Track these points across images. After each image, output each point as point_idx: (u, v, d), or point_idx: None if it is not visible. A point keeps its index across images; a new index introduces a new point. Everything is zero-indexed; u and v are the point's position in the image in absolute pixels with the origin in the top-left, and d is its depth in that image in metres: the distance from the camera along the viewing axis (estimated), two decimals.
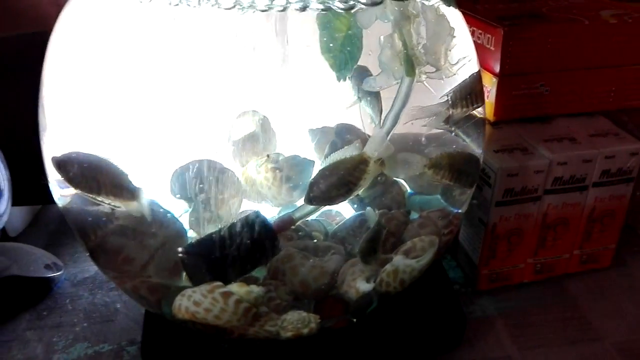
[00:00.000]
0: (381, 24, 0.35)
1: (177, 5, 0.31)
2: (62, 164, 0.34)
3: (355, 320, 0.38)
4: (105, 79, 0.34)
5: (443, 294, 0.44)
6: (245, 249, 0.34)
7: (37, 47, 0.49)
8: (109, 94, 0.34)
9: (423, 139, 0.38)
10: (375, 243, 0.37)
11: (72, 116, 0.36)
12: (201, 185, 0.37)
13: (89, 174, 0.33)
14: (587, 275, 0.50)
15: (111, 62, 0.34)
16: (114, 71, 0.34)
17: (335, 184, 0.35)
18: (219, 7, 0.31)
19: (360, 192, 0.43)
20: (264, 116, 0.40)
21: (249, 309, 0.33)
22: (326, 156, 0.43)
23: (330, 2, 0.32)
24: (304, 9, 0.32)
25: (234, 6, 0.32)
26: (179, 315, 0.34)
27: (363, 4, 0.33)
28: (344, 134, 0.43)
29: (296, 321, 0.35)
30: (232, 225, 0.34)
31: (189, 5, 0.31)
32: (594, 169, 0.45)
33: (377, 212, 0.38)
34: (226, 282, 0.34)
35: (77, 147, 0.35)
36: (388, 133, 0.37)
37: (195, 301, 0.33)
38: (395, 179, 0.42)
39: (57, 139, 0.36)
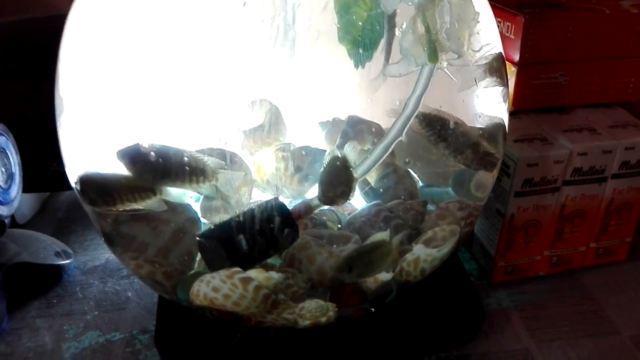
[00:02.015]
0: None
1: None
2: (82, 188, 0.35)
3: (373, 309, 0.37)
4: (118, 64, 0.33)
5: (461, 285, 0.44)
6: (264, 235, 0.33)
7: (50, 31, 0.48)
8: (123, 78, 0.34)
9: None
10: (353, 262, 0.35)
11: (88, 100, 0.35)
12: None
13: (105, 191, 0.34)
14: (603, 268, 0.49)
15: (125, 47, 0.33)
16: (127, 57, 0.33)
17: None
18: None
19: (372, 182, 0.42)
20: (275, 105, 0.39)
21: (268, 296, 0.33)
22: (338, 146, 0.43)
23: None
24: None
25: None
26: (196, 301, 0.33)
27: None
28: (356, 124, 0.42)
29: (314, 309, 0.35)
30: (251, 211, 0.34)
31: None
32: (614, 160, 0.44)
33: (389, 233, 0.36)
34: (245, 268, 0.33)
35: (92, 132, 0.35)
36: (408, 119, 0.36)
37: (214, 287, 0.33)
38: (407, 170, 0.41)
39: (73, 123, 0.36)
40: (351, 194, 0.35)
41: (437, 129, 0.37)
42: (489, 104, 0.38)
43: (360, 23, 0.34)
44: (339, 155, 0.35)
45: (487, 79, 0.37)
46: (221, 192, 0.37)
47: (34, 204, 0.53)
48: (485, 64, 0.37)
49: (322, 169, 0.35)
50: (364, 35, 0.35)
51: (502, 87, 0.39)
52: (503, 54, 0.39)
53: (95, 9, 0.35)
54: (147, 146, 0.33)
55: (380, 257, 0.35)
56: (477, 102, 0.37)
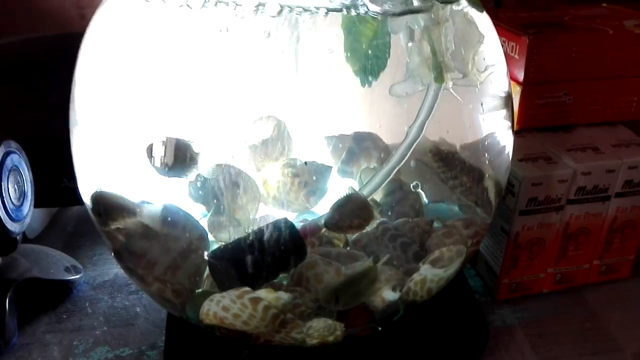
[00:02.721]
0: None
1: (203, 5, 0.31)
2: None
3: (380, 328, 0.38)
4: (132, 80, 0.34)
5: (466, 303, 0.44)
6: (274, 255, 0.34)
7: (61, 49, 0.49)
8: (136, 94, 0.34)
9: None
10: (340, 293, 0.36)
11: (102, 114, 0.36)
12: (220, 190, 0.37)
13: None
14: (606, 285, 0.50)
15: (138, 63, 0.34)
16: (140, 73, 0.34)
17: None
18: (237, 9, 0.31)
19: (378, 199, 0.43)
20: (281, 121, 0.40)
21: (277, 316, 0.33)
22: (343, 162, 0.43)
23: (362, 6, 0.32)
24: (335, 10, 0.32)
25: (257, 9, 0.32)
26: (206, 320, 0.34)
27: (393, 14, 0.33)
28: (362, 141, 0.43)
29: (322, 328, 0.35)
30: (261, 231, 0.34)
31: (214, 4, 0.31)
32: (617, 179, 0.45)
33: (369, 260, 0.36)
34: (254, 287, 0.34)
35: (105, 145, 0.36)
36: (420, 130, 0.36)
37: (224, 306, 0.33)
38: (412, 187, 0.42)
39: (87, 137, 0.36)
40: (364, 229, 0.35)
41: (448, 165, 0.38)
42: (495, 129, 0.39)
43: (364, 45, 0.35)
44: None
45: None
46: (229, 207, 0.38)
47: (43, 219, 0.54)
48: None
49: (340, 197, 0.35)
50: (370, 55, 0.36)
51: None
52: (508, 76, 0.40)
53: (113, 26, 0.35)
54: None
55: (367, 285, 0.35)
56: (483, 126, 0.38)
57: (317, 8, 0.31)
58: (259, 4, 0.31)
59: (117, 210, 0.37)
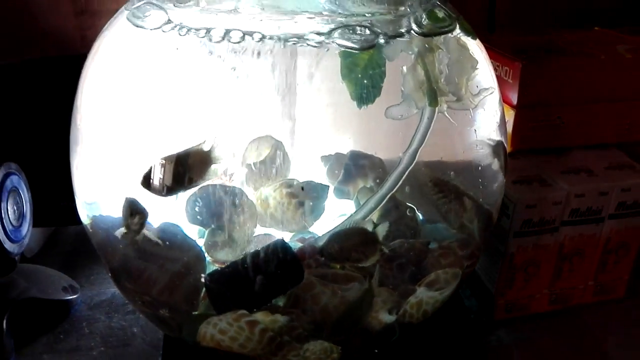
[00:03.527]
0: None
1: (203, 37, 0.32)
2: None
3: (377, 350, 0.38)
4: (133, 101, 0.35)
5: (462, 323, 0.44)
6: (270, 277, 0.34)
7: (60, 70, 0.50)
8: (133, 116, 0.35)
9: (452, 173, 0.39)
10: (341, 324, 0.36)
11: (103, 134, 0.36)
12: (217, 210, 0.38)
13: None
14: (601, 305, 0.50)
15: (138, 86, 0.35)
16: (139, 95, 0.35)
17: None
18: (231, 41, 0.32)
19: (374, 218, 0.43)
20: (279, 141, 0.40)
21: (273, 338, 0.34)
22: (340, 182, 0.44)
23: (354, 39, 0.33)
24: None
25: (261, 40, 0.32)
26: (203, 342, 0.34)
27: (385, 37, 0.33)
28: (358, 159, 0.44)
29: (319, 351, 0.35)
30: (257, 254, 0.35)
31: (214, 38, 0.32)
32: (610, 201, 0.45)
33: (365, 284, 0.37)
34: (251, 310, 0.34)
35: (105, 164, 0.36)
36: (413, 156, 0.37)
37: (221, 329, 0.33)
38: (409, 205, 0.42)
39: (88, 156, 0.37)
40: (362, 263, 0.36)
41: (446, 194, 0.38)
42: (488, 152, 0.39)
43: (360, 75, 0.35)
44: (371, 230, 0.36)
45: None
46: (226, 227, 0.38)
47: (40, 238, 0.54)
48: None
49: (345, 227, 0.36)
50: (365, 84, 0.36)
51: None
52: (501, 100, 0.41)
53: (115, 51, 0.36)
54: None
55: (365, 310, 0.36)
56: (477, 149, 0.39)
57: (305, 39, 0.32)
58: (262, 37, 0.31)
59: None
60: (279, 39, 0.32)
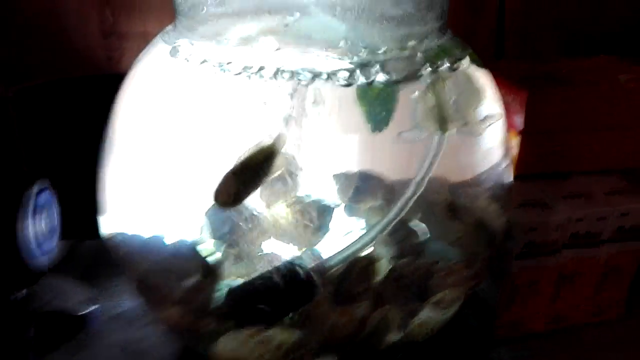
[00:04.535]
0: None
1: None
2: None
3: None
4: (162, 126, 0.37)
5: (464, 342, 0.46)
6: (285, 294, 0.36)
7: (86, 88, 0.52)
8: (163, 139, 0.37)
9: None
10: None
11: (135, 152, 0.38)
12: (231, 225, 0.39)
13: None
14: (599, 326, 0.52)
15: (169, 114, 0.37)
16: (171, 121, 0.37)
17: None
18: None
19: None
20: (292, 157, 0.42)
21: (287, 354, 0.35)
22: (351, 200, 0.45)
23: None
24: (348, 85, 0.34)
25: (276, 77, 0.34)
26: (221, 357, 0.36)
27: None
28: (367, 180, 0.45)
29: None
30: (273, 271, 0.36)
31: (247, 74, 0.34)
32: (609, 225, 0.47)
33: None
34: (266, 326, 0.36)
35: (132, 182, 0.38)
36: (423, 180, 0.39)
37: (237, 344, 0.35)
38: (415, 224, 0.44)
39: (118, 172, 0.39)
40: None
41: (459, 219, 0.40)
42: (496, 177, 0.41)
43: (373, 98, 0.37)
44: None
45: None
46: (239, 243, 0.40)
47: (60, 250, 0.56)
48: None
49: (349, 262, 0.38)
50: (379, 104, 0.38)
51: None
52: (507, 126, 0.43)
53: (150, 78, 0.38)
54: None
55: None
56: (485, 174, 0.40)
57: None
58: (278, 71, 0.33)
59: None
60: (301, 73, 0.34)
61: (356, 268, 0.38)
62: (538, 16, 0.67)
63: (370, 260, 0.39)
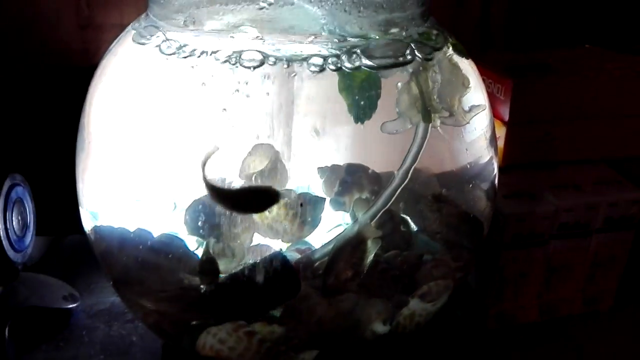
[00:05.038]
0: None
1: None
2: None
3: None
4: (137, 116, 0.36)
5: (453, 334, 0.45)
6: (268, 289, 0.35)
7: (63, 81, 0.51)
8: (140, 130, 0.36)
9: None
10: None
11: (111, 145, 0.37)
12: (215, 220, 0.39)
13: None
14: (589, 316, 0.51)
15: (143, 103, 0.36)
16: (144, 110, 0.36)
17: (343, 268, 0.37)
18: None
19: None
20: (277, 151, 0.41)
21: (271, 348, 0.35)
22: (337, 193, 0.45)
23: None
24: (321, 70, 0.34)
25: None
26: (203, 352, 0.35)
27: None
28: (354, 172, 0.45)
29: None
30: (255, 265, 0.36)
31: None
32: (598, 215, 0.47)
33: None
34: (249, 321, 0.35)
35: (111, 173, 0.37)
36: (408, 172, 0.38)
37: (221, 339, 0.34)
38: (402, 216, 0.43)
39: (94, 165, 0.38)
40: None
41: (442, 209, 0.39)
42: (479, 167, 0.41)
43: (356, 87, 0.37)
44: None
45: None
46: (224, 237, 0.39)
47: (41, 247, 0.55)
48: None
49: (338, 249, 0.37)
50: (362, 105, 0.37)
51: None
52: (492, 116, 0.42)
53: (122, 65, 0.37)
54: None
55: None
56: (469, 164, 0.40)
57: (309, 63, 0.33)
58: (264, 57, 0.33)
59: None
60: (283, 60, 0.33)
61: (344, 252, 0.37)
62: (523, 7, 0.66)
63: (360, 240, 0.38)
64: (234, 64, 0.33)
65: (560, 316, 0.51)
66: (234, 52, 0.33)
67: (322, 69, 0.33)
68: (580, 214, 0.46)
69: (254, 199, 0.37)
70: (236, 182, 0.40)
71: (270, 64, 0.33)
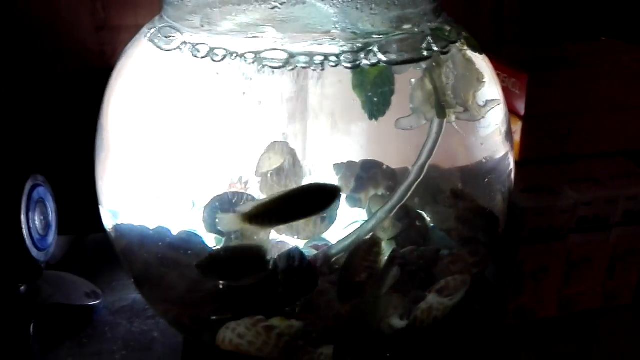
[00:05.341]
0: None
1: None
2: None
3: (389, 355, 0.39)
4: (156, 115, 0.37)
5: (471, 329, 0.45)
6: (286, 284, 0.36)
7: (80, 82, 0.52)
8: (158, 126, 0.37)
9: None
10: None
11: (130, 144, 0.38)
12: None
13: None
14: (609, 311, 0.51)
15: (162, 103, 0.36)
16: (163, 110, 0.37)
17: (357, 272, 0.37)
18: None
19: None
20: (292, 148, 0.41)
21: (289, 343, 0.35)
22: (353, 190, 0.45)
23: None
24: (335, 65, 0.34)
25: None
26: (222, 346, 0.36)
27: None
28: (370, 169, 0.45)
29: (332, 355, 0.37)
30: (274, 261, 0.36)
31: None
32: (617, 209, 0.46)
33: None
34: (267, 316, 0.36)
35: (130, 172, 0.38)
36: (423, 167, 0.38)
37: (240, 334, 0.35)
38: (419, 211, 0.43)
39: (114, 164, 0.39)
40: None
41: (459, 204, 0.40)
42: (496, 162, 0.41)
43: (370, 93, 0.37)
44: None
45: None
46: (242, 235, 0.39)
47: (64, 245, 0.56)
48: None
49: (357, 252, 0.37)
50: (376, 101, 0.37)
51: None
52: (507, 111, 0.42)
53: (140, 65, 0.38)
54: None
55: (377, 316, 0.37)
56: (485, 159, 0.40)
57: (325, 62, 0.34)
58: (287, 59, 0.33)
59: None
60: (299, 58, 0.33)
61: (360, 251, 0.38)
62: (536, 1, 0.66)
63: (374, 242, 0.38)
64: (259, 64, 0.33)
65: (580, 311, 0.50)
66: (256, 51, 0.33)
67: (336, 66, 0.34)
68: (599, 208, 0.46)
69: (314, 198, 0.36)
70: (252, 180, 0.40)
71: (293, 66, 0.33)
